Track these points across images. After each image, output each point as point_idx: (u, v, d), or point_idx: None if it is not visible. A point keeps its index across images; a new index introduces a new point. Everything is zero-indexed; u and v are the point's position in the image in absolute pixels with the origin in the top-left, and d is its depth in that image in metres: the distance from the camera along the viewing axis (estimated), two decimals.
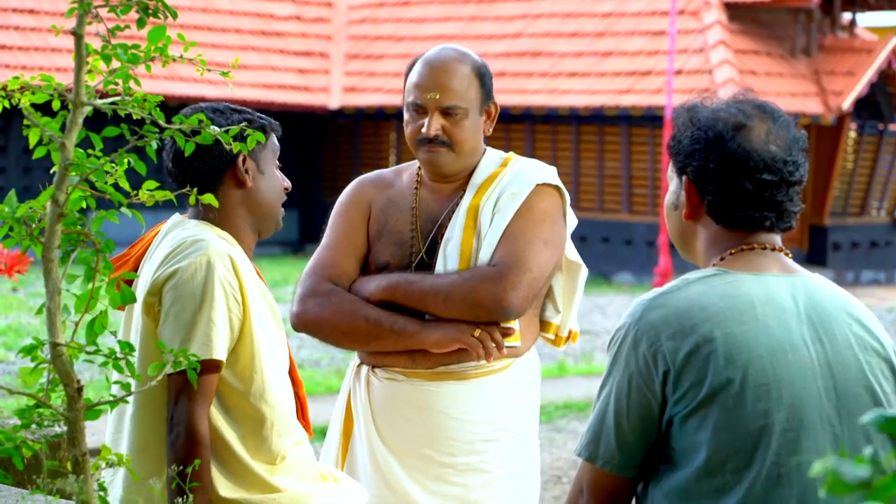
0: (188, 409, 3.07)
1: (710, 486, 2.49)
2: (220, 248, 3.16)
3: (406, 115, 3.70)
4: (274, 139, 3.36)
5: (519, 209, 3.62)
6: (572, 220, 3.74)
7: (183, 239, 3.20)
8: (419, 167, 3.77)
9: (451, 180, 3.73)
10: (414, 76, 3.67)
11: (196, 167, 3.27)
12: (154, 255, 3.27)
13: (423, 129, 3.63)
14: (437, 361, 3.63)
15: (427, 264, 3.68)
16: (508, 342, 3.60)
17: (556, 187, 3.70)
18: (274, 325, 3.28)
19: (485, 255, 3.60)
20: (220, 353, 3.10)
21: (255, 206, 3.31)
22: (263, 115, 3.35)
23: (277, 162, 3.37)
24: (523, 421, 3.72)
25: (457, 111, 3.63)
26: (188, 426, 3.06)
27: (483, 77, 3.69)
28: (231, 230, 3.29)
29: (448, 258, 3.63)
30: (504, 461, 3.68)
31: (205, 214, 3.29)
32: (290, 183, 3.40)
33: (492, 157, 3.76)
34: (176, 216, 3.35)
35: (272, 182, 3.34)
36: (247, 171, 3.29)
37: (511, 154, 3.78)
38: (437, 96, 3.62)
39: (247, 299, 3.16)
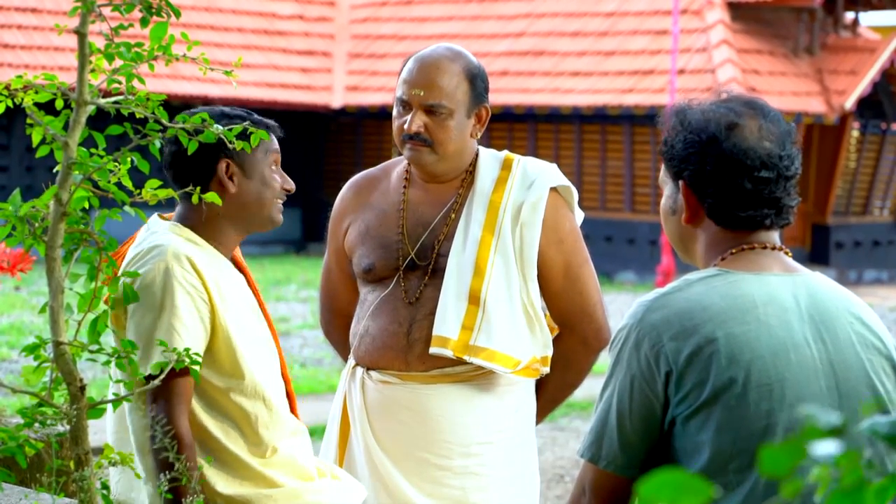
0: (165, 411, 3.08)
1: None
2: (178, 251, 3.16)
3: (394, 111, 3.67)
4: (272, 142, 3.32)
5: (550, 234, 3.62)
6: (579, 216, 3.73)
7: (142, 246, 3.20)
8: (408, 165, 3.72)
9: (441, 180, 3.68)
10: (404, 72, 3.63)
11: (183, 172, 3.26)
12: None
13: (405, 126, 3.59)
14: (431, 364, 3.60)
15: (418, 267, 3.65)
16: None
17: (566, 188, 3.68)
18: (255, 321, 3.28)
19: (527, 268, 3.60)
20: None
21: (239, 209, 3.28)
22: (261, 118, 3.30)
23: (275, 164, 3.33)
24: (519, 422, 3.69)
25: (441, 110, 3.57)
26: (166, 427, 3.06)
27: (474, 79, 3.62)
28: (210, 231, 3.28)
29: (461, 269, 3.58)
30: (500, 464, 3.65)
31: (186, 215, 3.28)
32: (292, 184, 3.37)
33: (489, 158, 3.70)
34: (154, 217, 3.33)
35: (260, 185, 3.29)
36: (231, 177, 3.27)
37: (508, 153, 3.72)
38: (422, 93, 3.57)
39: (212, 297, 3.16)
